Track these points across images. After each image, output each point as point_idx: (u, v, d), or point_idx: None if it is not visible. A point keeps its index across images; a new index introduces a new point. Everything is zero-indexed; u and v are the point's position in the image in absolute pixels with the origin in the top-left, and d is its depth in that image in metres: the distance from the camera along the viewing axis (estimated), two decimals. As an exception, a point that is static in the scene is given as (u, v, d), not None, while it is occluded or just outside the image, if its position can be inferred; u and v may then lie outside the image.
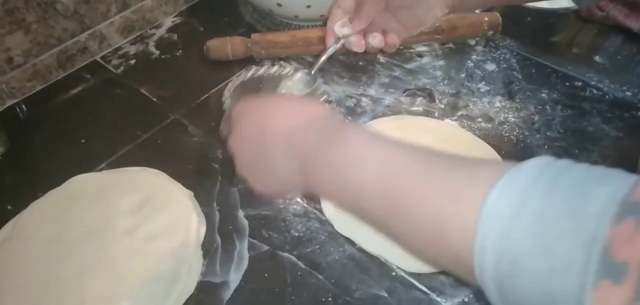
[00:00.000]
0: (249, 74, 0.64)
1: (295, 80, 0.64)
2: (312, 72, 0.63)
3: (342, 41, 0.57)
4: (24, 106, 0.72)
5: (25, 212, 0.57)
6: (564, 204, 0.26)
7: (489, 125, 0.67)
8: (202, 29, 0.84)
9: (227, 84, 0.61)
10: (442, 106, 0.70)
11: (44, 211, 0.57)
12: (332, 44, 0.58)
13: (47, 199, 0.59)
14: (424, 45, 0.79)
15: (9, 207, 0.58)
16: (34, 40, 0.71)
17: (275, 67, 0.65)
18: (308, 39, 0.76)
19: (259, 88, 0.64)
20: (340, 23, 0.56)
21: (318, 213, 0.57)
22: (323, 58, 0.60)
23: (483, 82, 0.73)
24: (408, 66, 0.76)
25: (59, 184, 0.60)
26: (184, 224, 0.55)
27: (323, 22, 0.80)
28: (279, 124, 0.41)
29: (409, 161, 0.34)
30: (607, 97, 0.70)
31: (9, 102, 0.71)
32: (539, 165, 0.28)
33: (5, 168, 0.63)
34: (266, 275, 0.52)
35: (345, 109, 0.70)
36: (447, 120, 0.68)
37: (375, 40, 0.57)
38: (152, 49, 0.80)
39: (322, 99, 0.65)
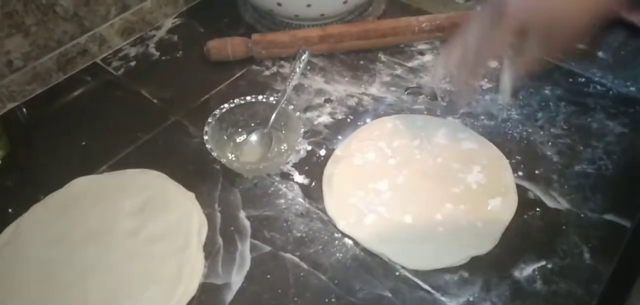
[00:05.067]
0: (224, 110, 0.63)
1: (251, 143, 0.63)
2: (266, 131, 0.62)
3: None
4: (24, 109, 0.71)
5: (27, 215, 0.57)
6: None
7: (492, 123, 0.66)
8: (202, 30, 0.84)
9: (208, 122, 0.61)
10: (444, 104, 0.69)
11: (45, 214, 0.57)
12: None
13: (48, 202, 0.58)
14: (426, 43, 0.79)
15: (10, 210, 0.58)
16: (34, 43, 0.70)
17: (249, 97, 0.63)
18: (308, 39, 0.75)
19: (237, 119, 0.63)
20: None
21: (320, 213, 0.57)
22: (274, 115, 0.62)
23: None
24: (409, 64, 0.76)
25: (60, 187, 0.59)
26: (186, 225, 0.55)
27: (324, 21, 0.80)
28: None
29: None
30: (611, 92, 0.70)
31: (9, 106, 0.71)
32: None
33: (6, 171, 0.63)
34: (268, 276, 0.52)
35: (347, 108, 0.69)
36: (449, 119, 0.67)
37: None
38: (153, 50, 0.80)
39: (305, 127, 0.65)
